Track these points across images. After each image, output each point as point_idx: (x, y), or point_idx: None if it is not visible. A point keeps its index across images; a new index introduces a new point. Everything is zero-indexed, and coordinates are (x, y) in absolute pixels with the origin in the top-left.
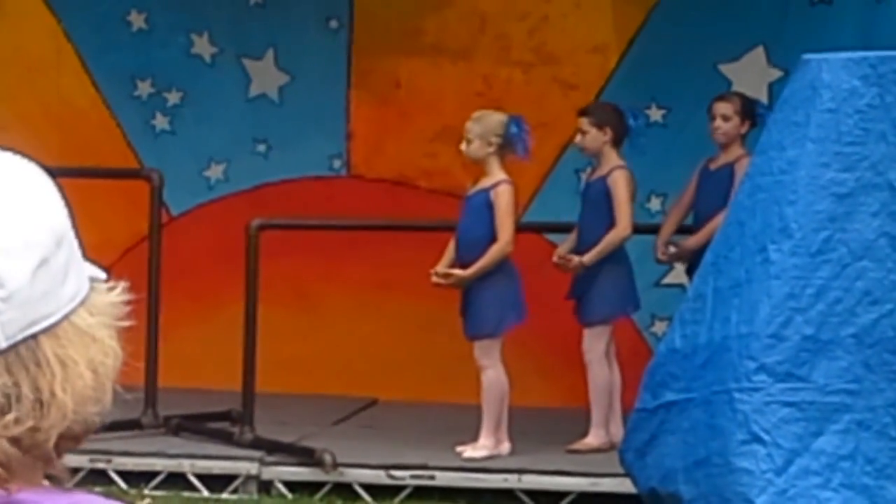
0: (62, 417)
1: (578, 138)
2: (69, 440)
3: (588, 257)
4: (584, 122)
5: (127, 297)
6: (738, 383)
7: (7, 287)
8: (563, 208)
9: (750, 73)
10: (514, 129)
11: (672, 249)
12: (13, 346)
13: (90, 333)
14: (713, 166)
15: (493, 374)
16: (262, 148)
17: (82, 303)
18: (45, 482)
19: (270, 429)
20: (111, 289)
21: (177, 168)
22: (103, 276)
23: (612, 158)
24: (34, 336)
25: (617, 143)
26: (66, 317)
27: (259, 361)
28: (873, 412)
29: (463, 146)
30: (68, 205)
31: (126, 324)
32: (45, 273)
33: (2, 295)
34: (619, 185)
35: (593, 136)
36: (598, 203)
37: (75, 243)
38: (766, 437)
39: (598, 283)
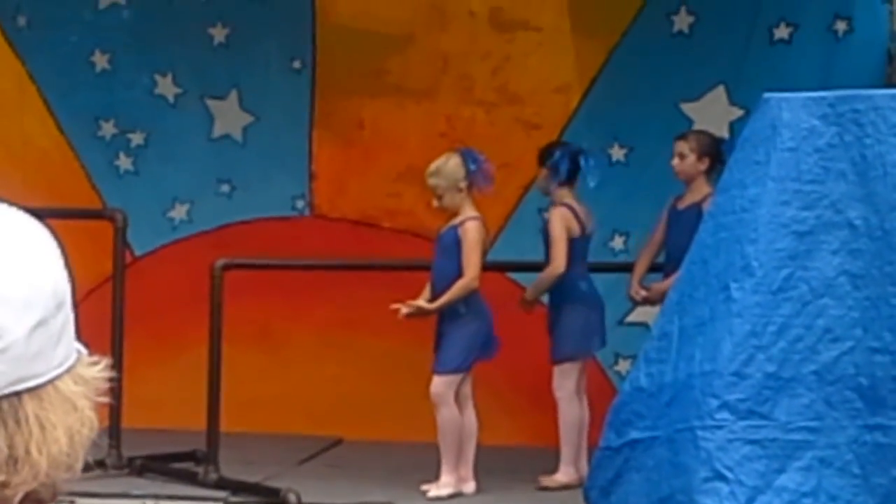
0: (33, 477)
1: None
2: (33, 502)
3: (528, 293)
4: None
5: (109, 374)
6: (702, 421)
7: (4, 339)
8: (528, 247)
9: (711, 112)
10: (472, 166)
11: (643, 293)
12: None
13: (72, 401)
14: (681, 205)
15: (446, 413)
16: (225, 188)
17: (69, 370)
18: None
19: (235, 469)
20: (94, 363)
21: (140, 208)
22: (85, 351)
23: (558, 196)
24: (18, 394)
25: (564, 183)
26: (51, 381)
27: (224, 401)
28: (835, 449)
29: (435, 203)
30: (69, 270)
31: (105, 400)
32: (42, 333)
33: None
34: (554, 223)
35: (543, 177)
36: (545, 239)
37: (71, 311)
38: (728, 475)
39: (564, 321)
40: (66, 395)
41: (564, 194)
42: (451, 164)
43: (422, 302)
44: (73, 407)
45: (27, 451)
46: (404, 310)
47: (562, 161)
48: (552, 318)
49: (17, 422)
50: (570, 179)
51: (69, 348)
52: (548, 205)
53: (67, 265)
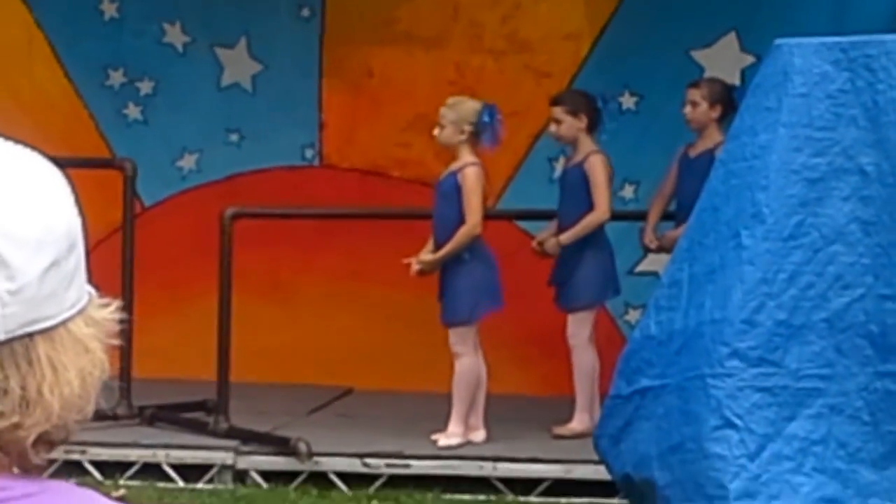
0: (46, 418)
1: (553, 127)
2: (45, 444)
3: (566, 237)
4: (558, 111)
5: (119, 316)
6: (712, 369)
7: (17, 280)
8: (536, 196)
9: (723, 59)
10: (486, 118)
11: (657, 241)
12: (8, 341)
13: (84, 343)
14: (693, 153)
15: (466, 362)
16: (234, 138)
17: (80, 312)
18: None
19: (245, 418)
20: (105, 305)
21: (149, 158)
22: (95, 293)
23: (587, 144)
24: (31, 335)
25: (591, 129)
26: (63, 322)
27: (233, 351)
28: (846, 396)
29: (436, 131)
30: (82, 214)
31: (116, 342)
32: (55, 274)
33: (11, 287)
34: (597, 169)
35: (569, 125)
36: (576, 189)
37: (83, 253)
38: (738, 423)
39: (581, 268)
40: (78, 337)
41: (592, 141)
42: (468, 105)
43: (426, 255)
44: (84, 349)
45: (39, 393)
46: (415, 266)
47: (598, 107)
48: (567, 265)
49: (30, 363)
50: (595, 126)
51: (81, 290)
52: (559, 153)
53: (80, 210)
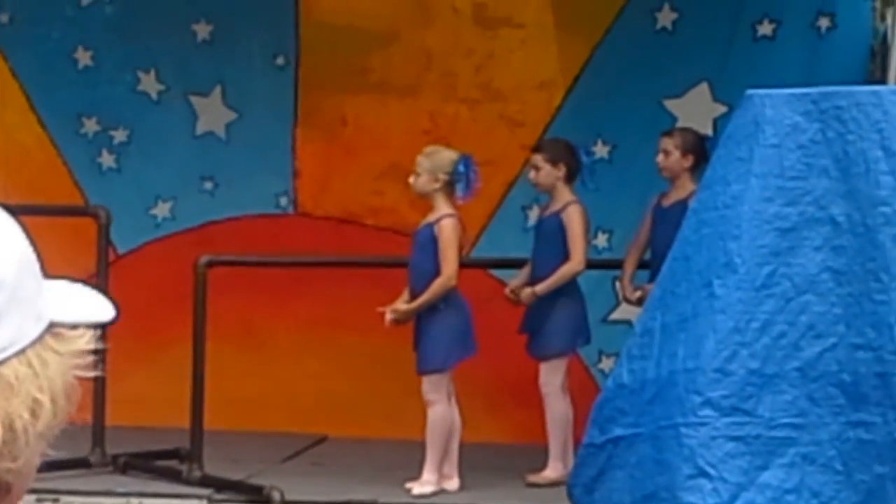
0: None
1: (532, 174)
2: None
3: (540, 288)
4: (538, 159)
5: (94, 346)
6: (685, 418)
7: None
8: (509, 244)
9: (695, 109)
10: (461, 168)
11: (638, 293)
12: None
13: (13, 386)
14: (666, 203)
15: (439, 410)
16: (209, 185)
17: (20, 352)
18: None
19: (219, 466)
20: (80, 336)
21: (123, 206)
22: (91, 317)
23: (565, 194)
24: None
25: (570, 178)
26: None
27: (207, 399)
28: (818, 446)
29: (411, 179)
30: (33, 245)
31: (92, 374)
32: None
33: None
34: (574, 219)
35: (547, 172)
36: (551, 238)
37: (23, 288)
38: (712, 472)
39: (552, 317)
40: (8, 381)
41: (569, 191)
42: (444, 154)
43: (401, 304)
44: (12, 392)
45: None
46: (389, 316)
47: (582, 156)
48: (539, 313)
49: None
50: (573, 176)
51: (21, 329)
52: (533, 201)
53: (39, 256)
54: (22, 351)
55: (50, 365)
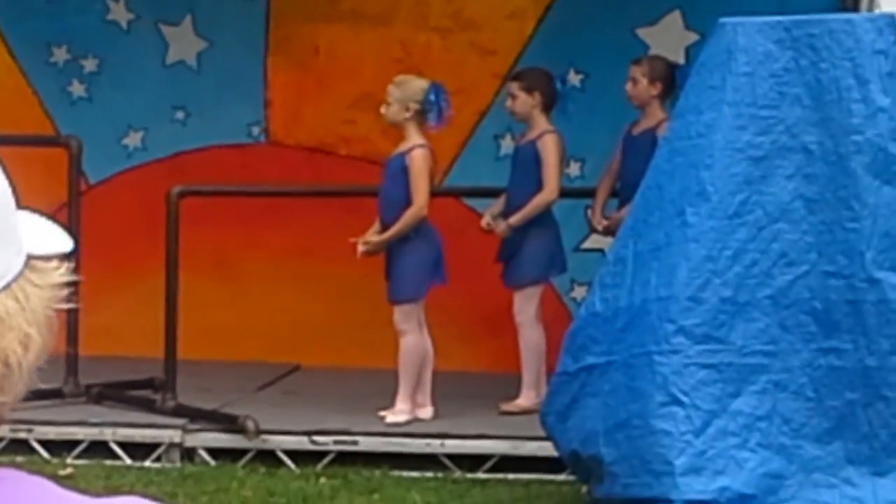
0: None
1: (509, 102)
2: None
3: (514, 219)
4: (514, 87)
5: (69, 278)
6: (658, 346)
7: None
8: (482, 173)
9: (667, 37)
10: (432, 97)
11: (605, 222)
12: None
13: (5, 321)
14: (635, 131)
15: (411, 340)
16: (180, 115)
17: (7, 287)
18: None
19: (193, 396)
20: (55, 268)
21: (95, 136)
22: (54, 248)
23: (541, 123)
24: None
25: (546, 108)
26: None
27: (181, 329)
28: (790, 373)
29: (383, 108)
30: (10, 181)
31: (68, 306)
32: None
33: None
34: (549, 148)
35: (523, 101)
36: (527, 167)
37: (4, 222)
38: (684, 399)
39: (527, 245)
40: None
41: (546, 120)
42: (415, 84)
43: (373, 236)
44: (7, 328)
45: None
46: (361, 248)
47: (557, 88)
48: (513, 242)
49: None
50: (550, 105)
51: (2, 265)
52: (505, 130)
53: (10, 182)
54: (8, 285)
55: (31, 298)
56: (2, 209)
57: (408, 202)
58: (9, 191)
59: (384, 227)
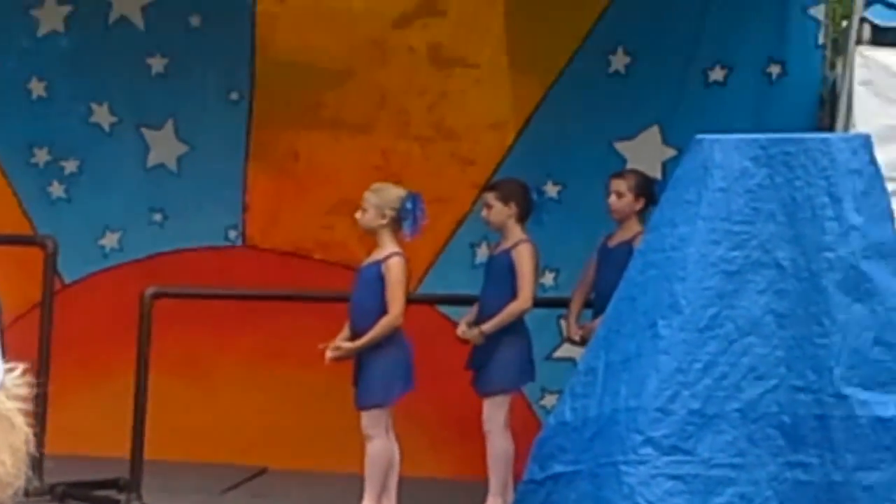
0: None
1: (484, 212)
2: None
3: (487, 326)
4: (490, 197)
5: (27, 379)
6: (625, 456)
7: None
8: (457, 281)
9: (645, 151)
10: (408, 206)
11: (580, 332)
12: None
13: (9, 419)
14: (611, 244)
15: (378, 444)
16: (158, 217)
17: (1, 387)
18: None
19: (158, 497)
20: (11, 370)
21: (72, 236)
22: (10, 366)
23: (516, 233)
24: None
25: (522, 218)
26: None
27: (149, 429)
28: (756, 486)
29: (358, 214)
30: None
31: (28, 407)
32: None
33: None
34: (524, 257)
35: (498, 210)
36: (501, 276)
37: None
38: None
39: (498, 353)
40: (4, 414)
41: (521, 230)
42: (392, 192)
43: (344, 343)
44: (10, 425)
45: None
46: (329, 354)
47: (533, 198)
48: (484, 350)
49: None
50: (526, 215)
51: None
52: (481, 239)
53: None
54: (3, 386)
55: (17, 397)
56: None
57: (381, 310)
58: None
59: (355, 334)
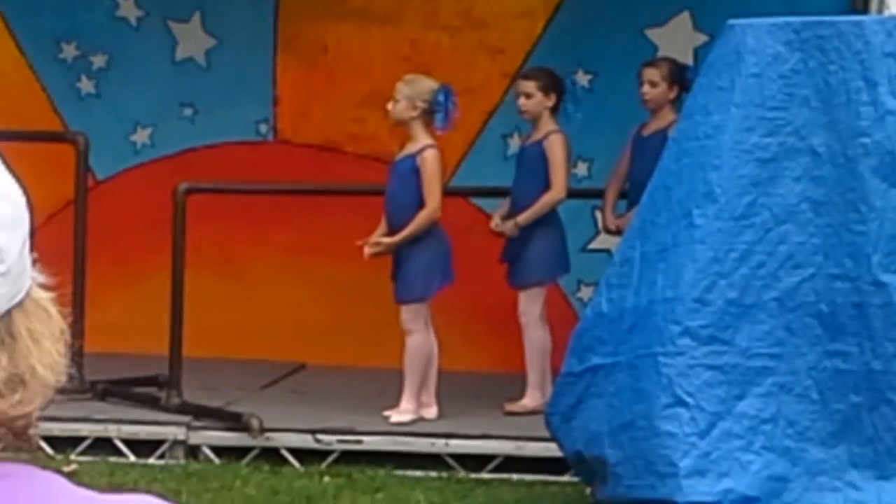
0: (43, 392)
1: (522, 101)
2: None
3: (522, 218)
4: (530, 86)
5: (42, 271)
6: (663, 347)
7: (6, 262)
8: (489, 173)
9: (676, 38)
10: (440, 98)
11: (618, 222)
12: None
13: (46, 308)
14: (646, 132)
15: (418, 339)
16: (188, 112)
17: (33, 278)
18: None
19: (198, 394)
20: (34, 261)
21: (102, 132)
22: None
23: (548, 123)
24: (9, 311)
25: (555, 109)
26: (28, 292)
27: (186, 326)
28: (795, 375)
29: (389, 105)
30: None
31: (54, 294)
32: (26, 247)
33: (2, 269)
34: (556, 148)
35: (538, 101)
36: (533, 167)
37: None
38: (689, 401)
39: (532, 246)
40: (42, 305)
41: (553, 121)
42: (424, 83)
43: (383, 238)
44: (47, 314)
45: (32, 368)
46: (368, 250)
47: (565, 89)
48: (518, 242)
49: (14, 339)
50: (558, 107)
51: (32, 257)
52: (513, 130)
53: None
54: (21, 302)
55: (47, 287)
56: (23, 227)
57: (418, 204)
58: (27, 214)
59: (391, 229)
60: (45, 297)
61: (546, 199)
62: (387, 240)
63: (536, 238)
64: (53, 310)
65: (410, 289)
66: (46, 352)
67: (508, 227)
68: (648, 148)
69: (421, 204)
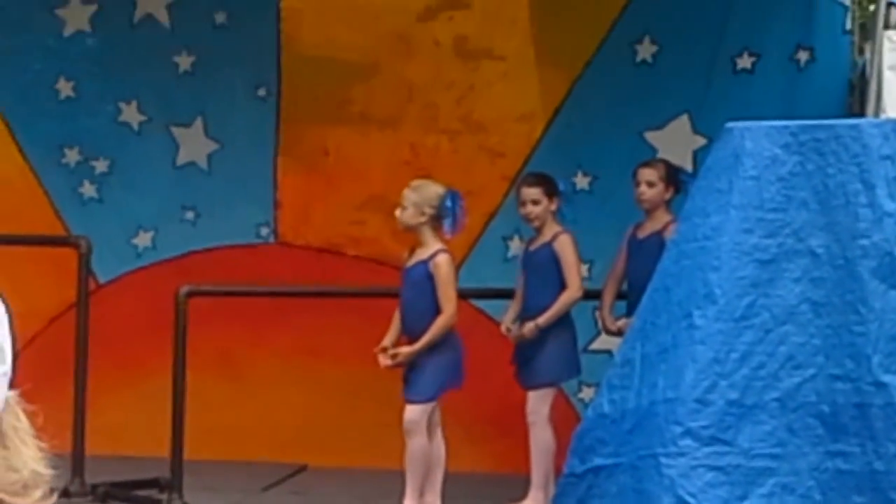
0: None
1: (529, 208)
2: None
3: (542, 320)
4: (537, 193)
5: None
6: (665, 448)
7: (7, 362)
8: (490, 275)
9: (675, 141)
10: (448, 203)
11: (619, 323)
12: None
13: (17, 407)
14: (641, 234)
15: (418, 441)
16: (190, 215)
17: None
18: None
19: (199, 496)
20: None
21: (105, 236)
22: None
23: (554, 225)
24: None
25: (556, 211)
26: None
27: (187, 429)
28: (797, 476)
29: (398, 212)
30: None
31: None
32: (8, 347)
33: (5, 369)
34: (567, 248)
35: (545, 207)
36: (544, 270)
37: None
38: (692, 501)
39: (545, 346)
40: (11, 402)
41: (556, 221)
42: (431, 188)
43: (402, 348)
44: (17, 413)
45: (25, 462)
46: (385, 361)
47: (560, 190)
48: (531, 342)
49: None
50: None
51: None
52: (513, 232)
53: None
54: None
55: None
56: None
57: (434, 309)
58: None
59: (408, 335)
60: (12, 395)
61: (564, 299)
62: (406, 349)
63: (549, 339)
64: (20, 409)
65: (421, 389)
66: (32, 447)
67: (529, 328)
68: (645, 250)
69: (437, 309)
